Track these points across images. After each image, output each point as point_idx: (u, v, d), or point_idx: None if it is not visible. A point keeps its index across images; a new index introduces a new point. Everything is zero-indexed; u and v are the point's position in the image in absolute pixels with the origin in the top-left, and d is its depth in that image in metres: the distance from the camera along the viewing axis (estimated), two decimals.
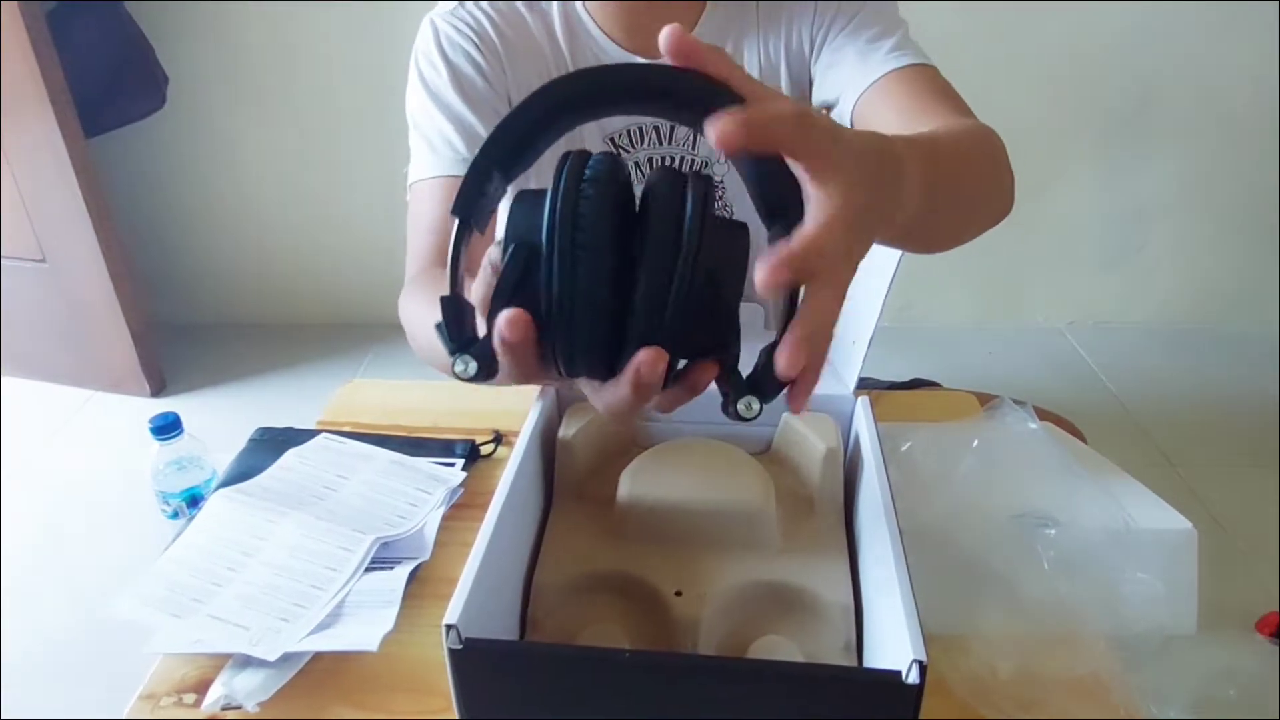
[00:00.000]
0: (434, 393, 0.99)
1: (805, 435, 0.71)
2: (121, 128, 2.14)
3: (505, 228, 0.39)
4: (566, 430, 0.71)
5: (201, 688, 0.65)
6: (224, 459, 0.90)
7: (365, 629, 0.66)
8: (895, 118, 0.79)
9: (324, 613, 0.68)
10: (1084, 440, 0.98)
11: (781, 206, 0.39)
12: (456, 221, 0.41)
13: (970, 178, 0.64)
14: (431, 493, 0.82)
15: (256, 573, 0.72)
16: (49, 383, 2.28)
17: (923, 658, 0.45)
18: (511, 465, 0.63)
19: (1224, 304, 2.42)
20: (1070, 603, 0.66)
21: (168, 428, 1.03)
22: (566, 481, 0.72)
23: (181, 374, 2.31)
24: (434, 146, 0.86)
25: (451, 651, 0.49)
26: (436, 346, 0.41)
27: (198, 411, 2.13)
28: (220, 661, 0.66)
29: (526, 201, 0.39)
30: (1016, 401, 0.85)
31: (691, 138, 0.94)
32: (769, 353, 0.39)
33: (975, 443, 0.79)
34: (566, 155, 0.39)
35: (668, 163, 0.95)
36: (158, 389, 2.25)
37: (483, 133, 0.85)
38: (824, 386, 0.52)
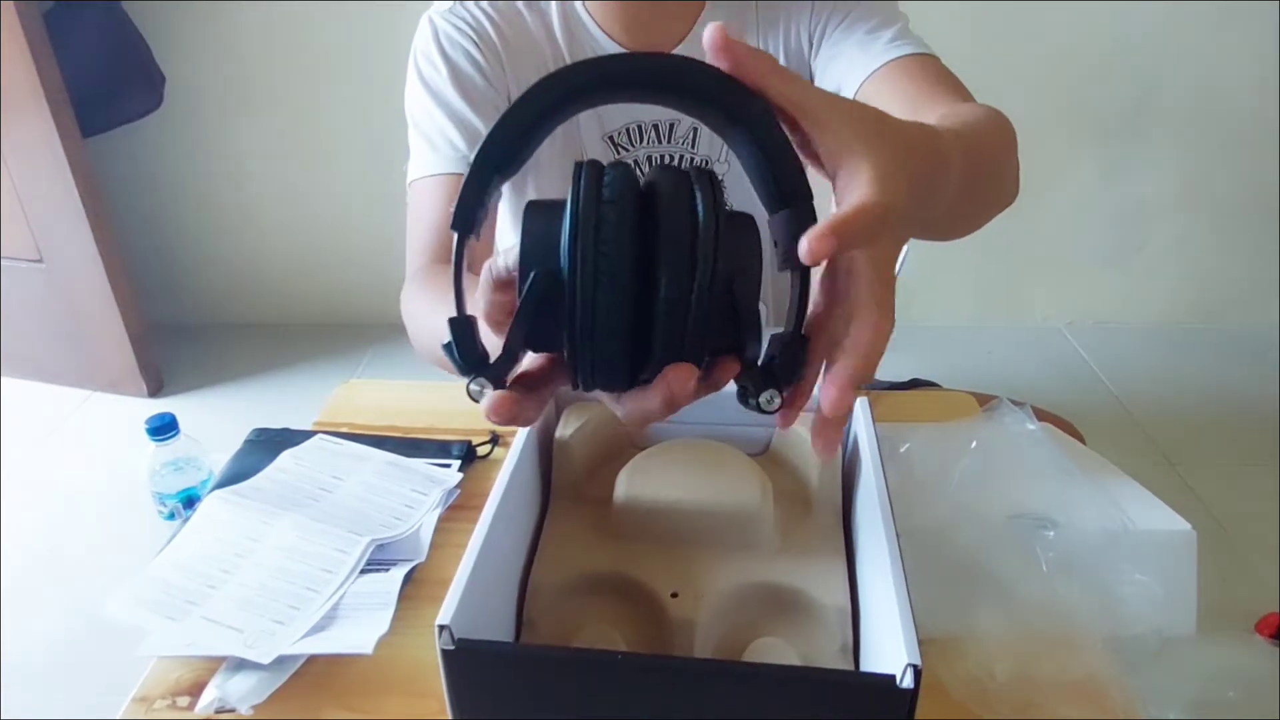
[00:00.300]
0: (431, 393, 0.98)
1: (803, 436, 0.70)
2: (119, 127, 2.14)
3: (520, 247, 0.38)
4: (564, 430, 0.71)
5: (195, 690, 0.64)
6: (221, 459, 0.89)
7: (360, 631, 0.66)
8: (898, 106, 0.79)
9: (319, 615, 0.68)
10: (1083, 441, 0.97)
11: (789, 193, 0.39)
12: (456, 236, 0.40)
13: (993, 167, 0.64)
14: (427, 494, 0.81)
15: (251, 575, 0.72)
16: (46, 383, 2.28)
17: (917, 662, 0.45)
18: (507, 466, 0.63)
19: (1224, 304, 2.42)
20: (1068, 604, 0.66)
21: (164, 428, 1.03)
22: (563, 482, 0.72)
23: (179, 374, 2.31)
24: (434, 144, 0.86)
25: (444, 652, 0.49)
26: (437, 349, 0.41)
27: (195, 412, 2.13)
28: (214, 664, 0.66)
29: (541, 218, 0.38)
30: (1015, 402, 0.85)
31: (691, 136, 0.93)
32: (782, 342, 0.39)
33: (974, 444, 0.79)
34: (580, 169, 0.38)
35: (668, 161, 0.94)
36: (155, 389, 2.25)
37: (481, 130, 0.85)
38: None
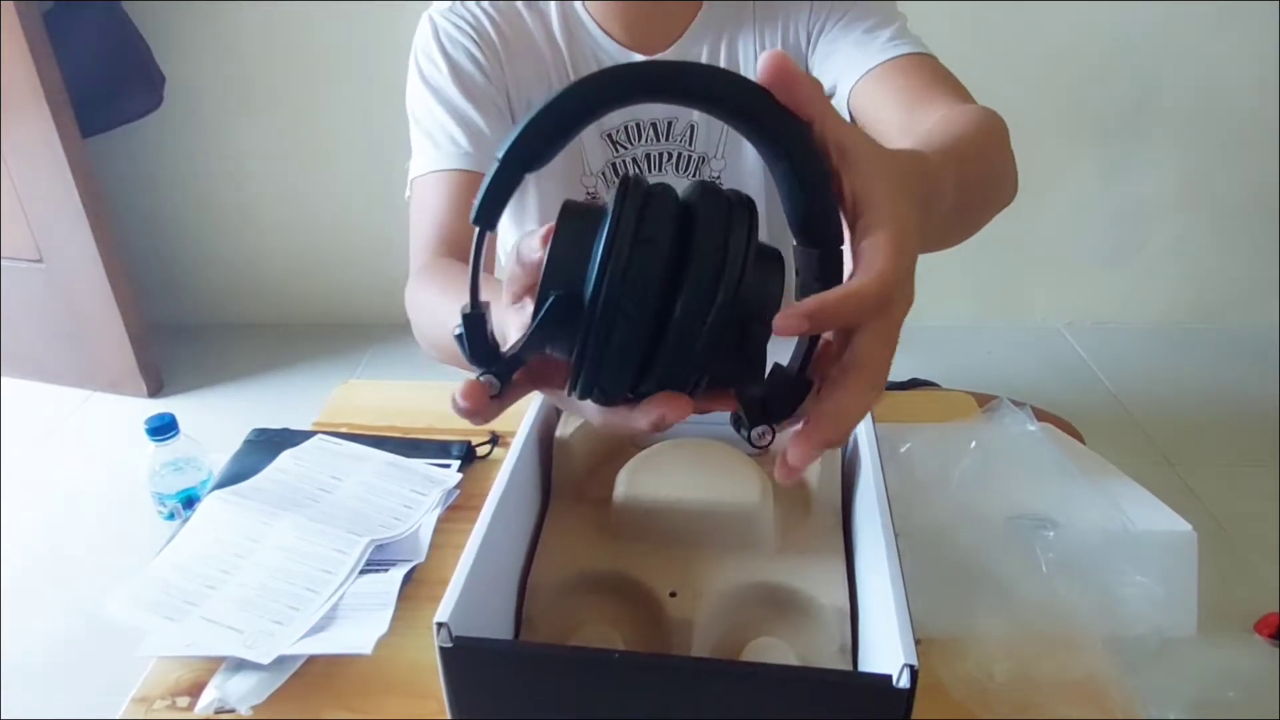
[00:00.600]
0: (431, 393, 0.98)
1: None
2: (119, 128, 2.14)
3: (546, 263, 0.38)
4: (564, 430, 0.71)
5: (195, 691, 0.64)
6: (221, 459, 0.89)
7: (359, 632, 0.66)
8: (894, 105, 0.79)
9: (318, 615, 0.68)
10: (1083, 441, 0.97)
11: (819, 234, 0.38)
12: (477, 230, 0.39)
13: (986, 173, 0.64)
14: (427, 494, 0.81)
15: (250, 575, 0.72)
16: (46, 383, 2.28)
17: (914, 662, 0.45)
18: (507, 465, 0.63)
19: (1224, 304, 2.42)
20: (1068, 605, 0.66)
21: (164, 428, 1.03)
22: (564, 481, 0.72)
23: (179, 374, 2.31)
24: (435, 141, 0.86)
25: (442, 650, 0.49)
26: (442, 338, 0.41)
27: (195, 412, 2.13)
28: (214, 664, 0.66)
29: (573, 232, 0.38)
30: (1015, 403, 0.85)
31: (689, 133, 0.94)
32: (783, 380, 0.39)
33: (973, 444, 0.79)
34: (624, 193, 0.37)
35: (665, 159, 0.95)
36: (155, 389, 2.25)
37: (483, 126, 0.85)
38: None
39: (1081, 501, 0.75)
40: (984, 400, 0.90)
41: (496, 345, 0.40)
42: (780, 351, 0.40)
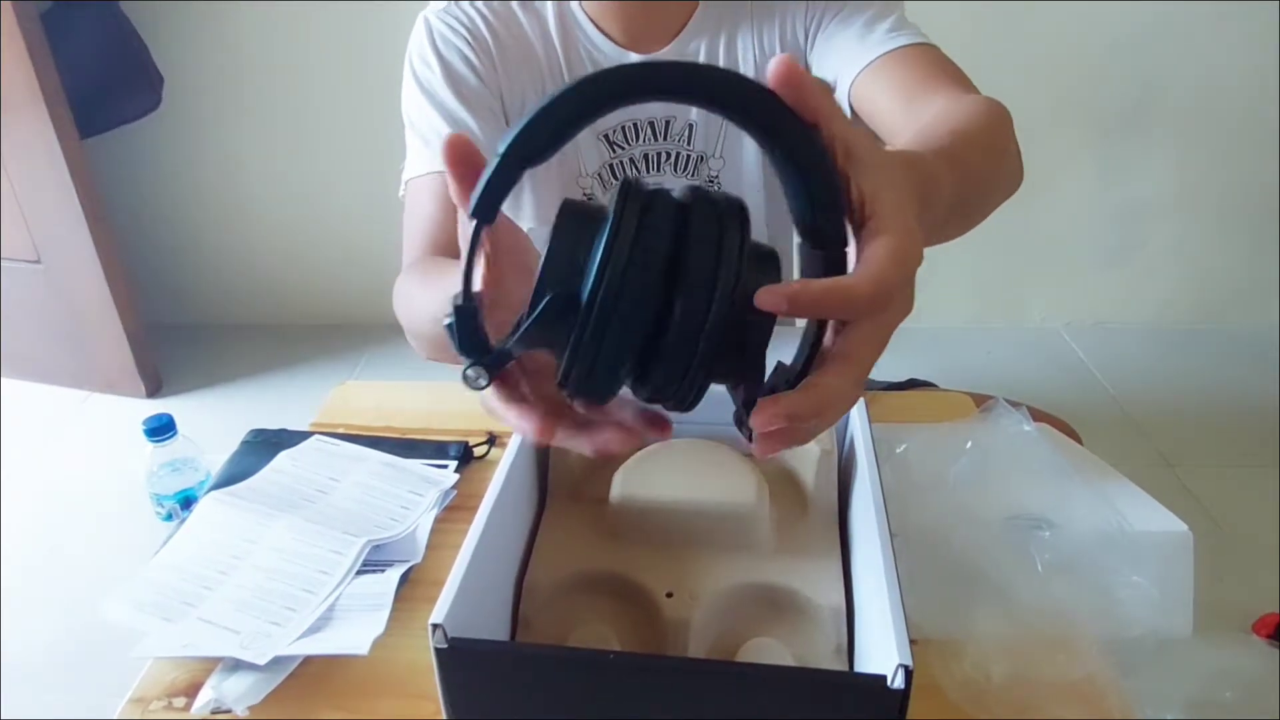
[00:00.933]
0: (428, 394, 0.98)
1: None
2: (117, 128, 2.14)
3: (544, 260, 0.38)
4: None
5: (191, 691, 0.64)
6: (219, 460, 0.89)
7: (356, 632, 0.66)
8: (894, 98, 0.79)
9: (314, 616, 0.68)
10: (1080, 441, 0.97)
11: (826, 234, 0.39)
12: (475, 223, 0.39)
13: (986, 165, 0.64)
14: (424, 495, 0.81)
15: (247, 576, 0.72)
16: (45, 384, 2.28)
17: (908, 662, 0.45)
18: (503, 465, 0.63)
19: (1223, 304, 2.42)
20: (1064, 606, 0.66)
21: (161, 429, 1.03)
22: (560, 482, 0.72)
23: (178, 375, 2.31)
24: (428, 142, 0.86)
25: (437, 651, 0.49)
26: (428, 331, 0.41)
27: (194, 413, 2.13)
28: (210, 665, 0.66)
29: (572, 232, 0.38)
30: (1011, 403, 0.85)
31: (687, 133, 0.94)
32: (787, 376, 0.39)
33: (969, 444, 0.79)
34: (624, 197, 0.37)
35: (664, 158, 0.95)
36: (154, 390, 2.25)
37: (475, 129, 0.85)
38: None
39: (1078, 502, 0.75)
40: (981, 401, 0.90)
41: (486, 338, 0.40)
42: (783, 352, 0.40)
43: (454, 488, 0.83)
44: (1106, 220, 2.35)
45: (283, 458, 0.86)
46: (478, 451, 0.88)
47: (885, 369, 1.23)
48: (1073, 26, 2.10)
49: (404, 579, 0.72)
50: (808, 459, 0.69)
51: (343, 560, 0.72)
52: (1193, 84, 2.17)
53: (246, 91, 2.27)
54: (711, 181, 0.96)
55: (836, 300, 0.36)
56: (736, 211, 0.38)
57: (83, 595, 1.56)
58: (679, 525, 0.65)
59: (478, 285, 0.41)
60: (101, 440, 2.11)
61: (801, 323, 0.40)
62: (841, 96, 0.85)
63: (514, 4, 0.90)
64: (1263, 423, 2.03)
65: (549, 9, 0.90)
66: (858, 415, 0.69)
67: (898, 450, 0.80)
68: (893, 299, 0.37)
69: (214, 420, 2.10)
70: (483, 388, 0.40)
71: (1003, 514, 0.74)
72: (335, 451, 0.87)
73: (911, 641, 0.46)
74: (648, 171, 0.95)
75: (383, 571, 0.73)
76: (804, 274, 0.40)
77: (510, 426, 0.41)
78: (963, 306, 2.49)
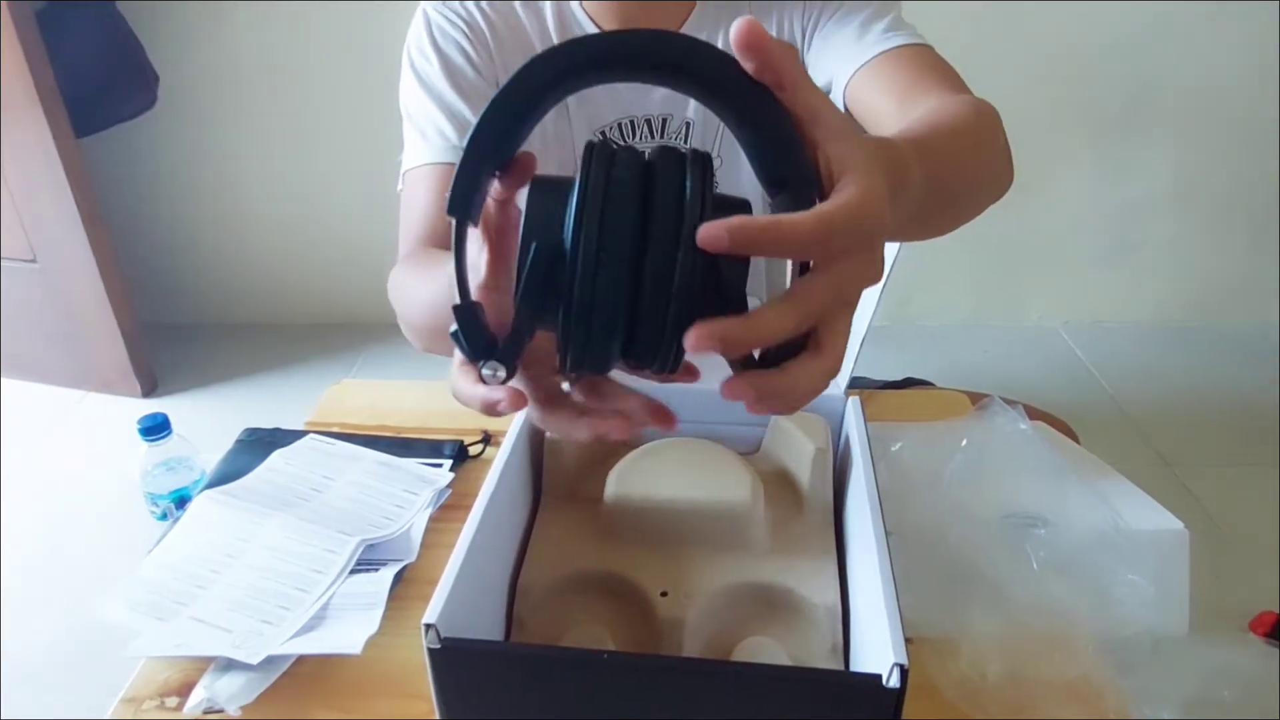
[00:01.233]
0: (423, 393, 0.98)
1: (795, 435, 0.70)
2: (112, 127, 2.13)
3: (524, 220, 0.38)
4: None
5: (184, 691, 0.64)
6: (214, 459, 0.89)
7: (349, 632, 0.66)
8: (889, 98, 0.79)
9: (308, 615, 0.67)
10: (1076, 440, 0.97)
11: (787, 176, 0.39)
12: (455, 221, 0.39)
13: (969, 161, 0.64)
14: (418, 494, 0.81)
15: (240, 575, 0.71)
16: (40, 383, 2.27)
17: (904, 661, 0.44)
18: (497, 465, 0.62)
19: (1220, 303, 2.42)
20: (1061, 604, 0.66)
21: (156, 429, 1.03)
22: (555, 481, 0.72)
23: (173, 374, 2.30)
24: (425, 134, 0.87)
25: (430, 651, 0.48)
26: (423, 321, 0.41)
27: (190, 412, 2.13)
28: (203, 664, 0.65)
29: (547, 195, 0.38)
30: (1007, 401, 0.84)
31: (684, 131, 0.93)
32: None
33: (964, 443, 0.79)
34: (590, 151, 0.38)
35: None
36: (149, 389, 2.24)
37: (472, 120, 0.85)
38: None
39: (1074, 500, 0.75)
40: (978, 399, 0.90)
41: (493, 335, 0.40)
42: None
43: (448, 487, 0.83)
44: (1104, 219, 2.35)
45: (277, 457, 0.85)
46: (473, 451, 0.88)
47: (883, 368, 1.23)
48: (1071, 26, 2.10)
49: (398, 578, 0.72)
50: (803, 458, 0.69)
51: (336, 559, 0.72)
52: (1191, 84, 2.17)
53: (242, 90, 2.27)
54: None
55: (777, 235, 0.35)
56: (700, 157, 0.38)
57: (80, 595, 1.56)
58: (674, 524, 0.65)
59: (475, 283, 0.41)
60: (97, 440, 2.10)
61: None
62: (837, 96, 0.85)
63: (515, 2, 0.90)
64: (1260, 421, 2.03)
65: (547, 7, 0.90)
66: (853, 414, 0.69)
67: (893, 449, 0.80)
68: (838, 243, 0.36)
69: (209, 419, 2.10)
70: (504, 380, 0.40)
71: (999, 512, 0.74)
72: (330, 450, 0.87)
73: (907, 640, 0.46)
74: None
75: (376, 571, 0.72)
76: None
77: (480, 408, 0.40)
78: (960, 305, 2.49)
